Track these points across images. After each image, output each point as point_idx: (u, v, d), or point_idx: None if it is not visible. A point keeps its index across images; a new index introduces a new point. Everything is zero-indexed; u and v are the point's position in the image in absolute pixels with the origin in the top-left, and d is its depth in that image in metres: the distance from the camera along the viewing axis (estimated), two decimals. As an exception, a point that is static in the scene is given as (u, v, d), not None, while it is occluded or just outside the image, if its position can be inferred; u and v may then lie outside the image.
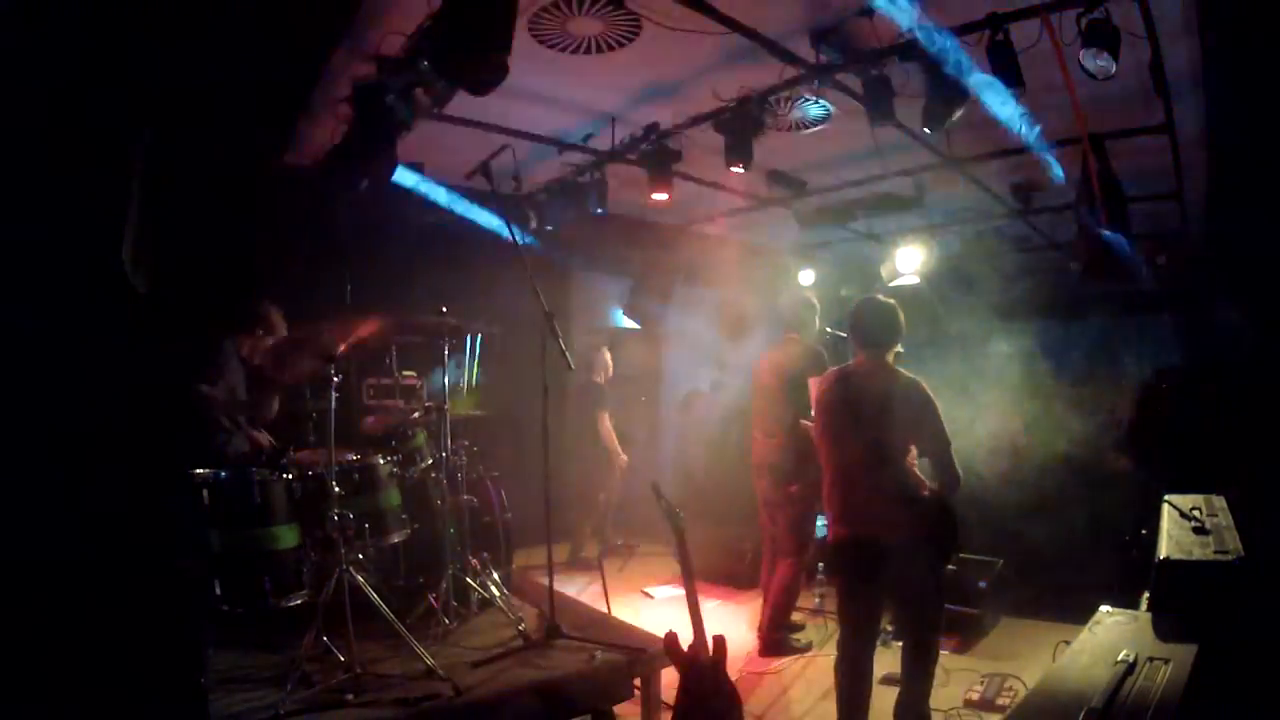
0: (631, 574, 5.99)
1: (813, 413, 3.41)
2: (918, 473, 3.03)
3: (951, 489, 2.95)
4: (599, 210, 5.33)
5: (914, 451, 3.04)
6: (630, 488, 6.34)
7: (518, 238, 3.72)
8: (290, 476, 3.16)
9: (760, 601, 4.60)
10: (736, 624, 4.76)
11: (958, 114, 3.52)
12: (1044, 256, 7.09)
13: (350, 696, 2.82)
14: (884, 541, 2.92)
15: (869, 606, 3.10)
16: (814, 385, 3.52)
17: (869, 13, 3.35)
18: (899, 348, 3.20)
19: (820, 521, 4.50)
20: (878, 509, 2.95)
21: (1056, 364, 6.38)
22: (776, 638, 4.42)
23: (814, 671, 4.14)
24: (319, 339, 3.28)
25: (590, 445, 6.19)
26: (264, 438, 3.92)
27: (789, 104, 4.28)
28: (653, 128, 4.66)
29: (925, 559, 2.96)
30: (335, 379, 3.25)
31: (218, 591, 2.92)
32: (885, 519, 2.93)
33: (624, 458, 6.26)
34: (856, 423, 3.03)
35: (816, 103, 4.25)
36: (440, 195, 5.16)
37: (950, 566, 3.44)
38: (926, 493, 2.98)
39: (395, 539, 3.50)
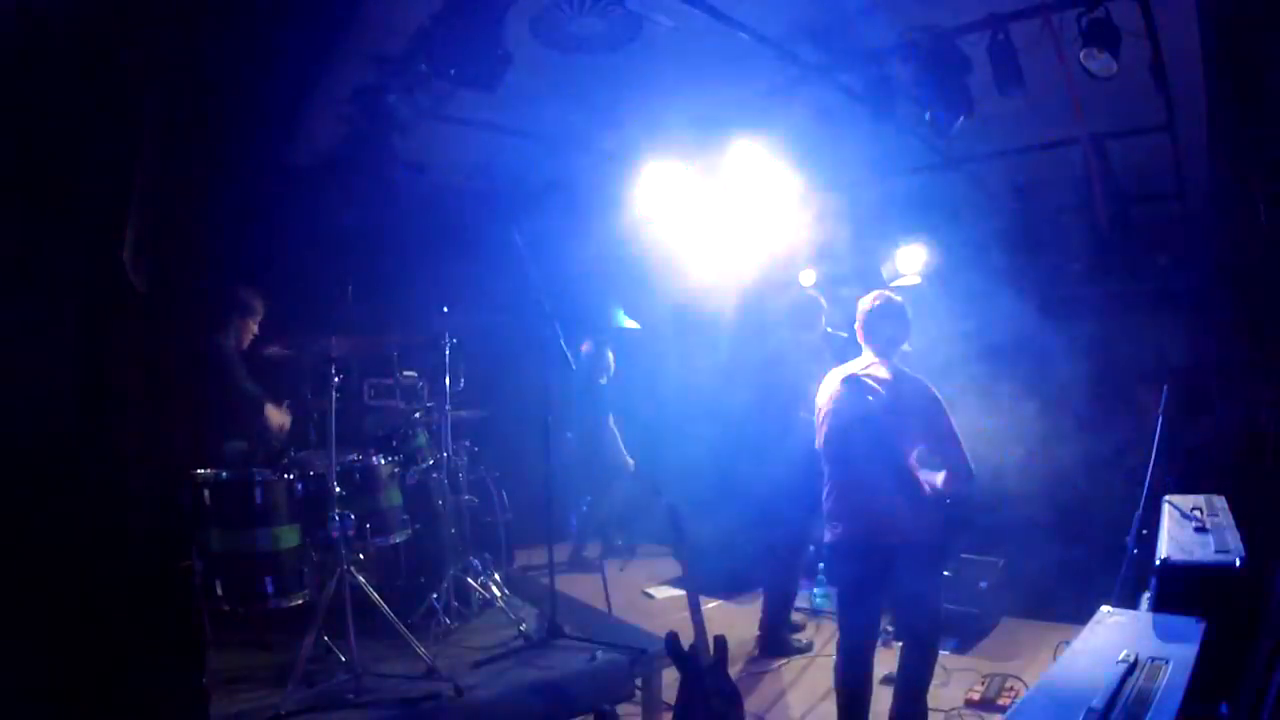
0: (632, 574, 5.98)
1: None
2: (918, 473, 3.02)
3: (964, 481, 2.91)
4: (598, 210, 5.33)
5: (914, 452, 3.03)
6: (631, 489, 6.32)
7: (519, 238, 3.72)
8: (291, 477, 3.16)
9: (760, 601, 4.59)
10: (736, 624, 4.75)
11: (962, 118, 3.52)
12: (1044, 256, 7.08)
13: (351, 696, 2.82)
14: (885, 541, 2.92)
15: (869, 606, 3.09)
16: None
17: (869, 13, 3.35)
18: (906, 346, 3.18)
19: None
20: (880, 509, 2.94)
21: (1056, 364, 6.37)
22: (776, 638, 4.41)
23: (814, 671, 4.14)
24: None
25: (594, 448, 6.18)
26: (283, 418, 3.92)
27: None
28: (654, 128, 4.66)
29: (925, 559, 2.95)
30: (336, 379, 3.25)
31: (218, 591, 2.92)
32: (887, 519, 2.92)
33: (630, 461, 6.25)
34: (862, 423, 3.01)
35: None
36: (440, 195, 5.16)
37: (945, 573, 3.42)
38: (927, 493, 2.98)
39: (396, 539, 3.50)
